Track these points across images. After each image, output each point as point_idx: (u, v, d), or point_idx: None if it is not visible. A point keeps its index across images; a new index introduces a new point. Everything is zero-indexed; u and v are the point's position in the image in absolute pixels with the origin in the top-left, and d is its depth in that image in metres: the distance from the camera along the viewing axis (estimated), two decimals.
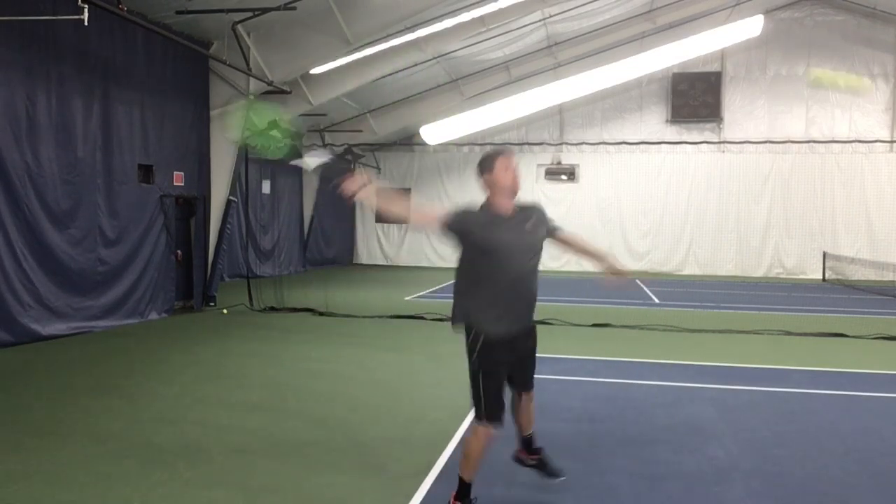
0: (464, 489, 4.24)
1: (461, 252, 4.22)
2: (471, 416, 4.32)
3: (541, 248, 4.34)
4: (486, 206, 4.21)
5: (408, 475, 4.99)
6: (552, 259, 26.86)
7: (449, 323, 4.56)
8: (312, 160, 3.98)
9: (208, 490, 4.72)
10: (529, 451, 4.84)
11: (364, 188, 3.96)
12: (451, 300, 4.39)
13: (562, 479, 4.77)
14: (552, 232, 4.45)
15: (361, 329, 11.90)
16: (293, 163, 4.13)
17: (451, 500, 4.25)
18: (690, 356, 9.86)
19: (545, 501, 4.62)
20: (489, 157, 4.27)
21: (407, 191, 28.02)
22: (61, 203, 10.58)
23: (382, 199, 4.06)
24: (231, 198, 15.12)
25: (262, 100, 4.08)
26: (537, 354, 4.56)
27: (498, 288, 4.12)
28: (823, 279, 24.13)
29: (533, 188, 27.10)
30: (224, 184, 15.00)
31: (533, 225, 4.27)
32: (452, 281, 4.44)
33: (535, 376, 4.62)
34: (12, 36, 9.66)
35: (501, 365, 4.21)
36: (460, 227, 4.11)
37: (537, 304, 4.44)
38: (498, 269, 4.10)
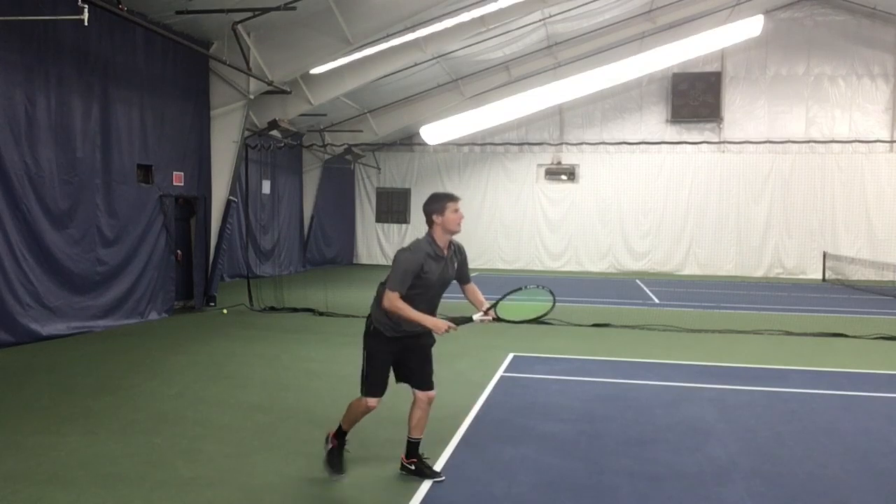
0: (340, 431, 5.04)
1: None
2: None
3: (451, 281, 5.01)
4: (431, 241, 4.78)
5: (409, 476, 4.99)
6: (552, 259, 26.94)
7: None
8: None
9: (208, 490, 4.72)
10: (409, 456, 5.02)
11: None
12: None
13: (441, 479, 4.92)
14: (465, 279, 5.04)
15: (361, 329, 11.85)
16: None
17: (330, 435, 5.01)
18: (690, 356, 9.85)
19: (545, 501, 4.63)
20: (440, 200, 4.77)
21: (407, 191, 28.03)
22: (60, 203, 10.57)
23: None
24: (231, 198, 15.12)
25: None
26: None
27: (410, 303, 4.68)
28: (823, 279, 24.12)
29: (533, 188, 27.13)
30: (224, 184, 14.99)
31: (458, 265, 4.94)
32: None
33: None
34: (12, 36, 9.65)
35: (386, 353, 4.86)
36: (413, 275, 4.68)
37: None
38: (419, 294, 4.72)
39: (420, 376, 4.98)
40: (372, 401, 4.85)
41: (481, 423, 6.32)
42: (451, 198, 4.80)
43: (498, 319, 4.83)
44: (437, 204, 4.76)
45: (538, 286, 5.08)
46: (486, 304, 4.86)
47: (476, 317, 4.78)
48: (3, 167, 9.59)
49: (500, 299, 4.87)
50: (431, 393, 5.00)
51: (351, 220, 28.53)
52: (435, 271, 4.74)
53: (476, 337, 10.55)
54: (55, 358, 9.07)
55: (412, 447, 5.02)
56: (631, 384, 8.11)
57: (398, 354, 4.90)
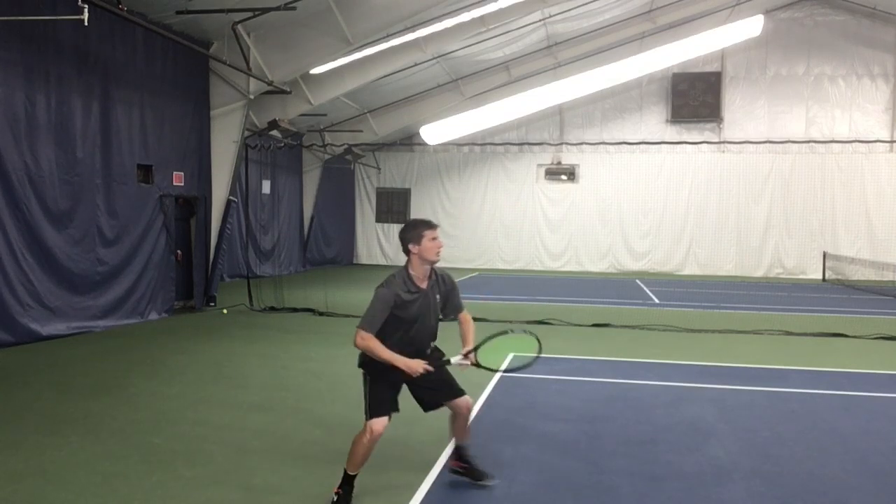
0: (347, 479, 4.47)
1: None
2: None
3: (440, 311, 4.67)
4: (406, 277, 4.48)
5: (408, 475, 5.00)
6: (552, 259, 26.94)
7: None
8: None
9: (208, 490, 4.72)
10: (458, 459, 4.91)
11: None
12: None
13: (494, 481, 4.79)
14: (456, 309, 4.74)
15: None
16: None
17: (335, 489, 4.46)
18: (690, 356, 9.85)
19: (545, 501, 4.62)
20: (416, 227, 4.47)
21: (407, 191, 28.03)
22: (60, 203, 10.58)
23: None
24: (231, 198, 15.12)
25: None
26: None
27: (395, 339, 4.41)
28: (823, 279, 24.13)
29: (533, 188, 27.14)
30: (224, 184, 14.99)
31: (443, 297, 4.62)
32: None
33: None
34: (12, 36, 9.66)
35: (387, 376, 4.41)
36: (385, 315, 4.38)
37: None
38: (402, 330, 4.44)
39: (448, 388, 4.63)
40: (377, 424, 4.35)
41: (481, 423, 6.31)
42: (429, 225, 4.47)
43: (478, 365, 4.51)
44: (413, 232, 4.43)
45: (525, 332, 4.71)
46: (469, 346, 4.55)
47: (454, 360, 4.50)
48: (3, 167, 9.60)
49: (482, 343, 4.53)
50: (467, 398, 4.68)
51: (351, 220, 28.55)
52: (412, 307, 4.42)
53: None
54: (55, 358, 9.07)
55: (461, 451, 4.86)
56: (631, 384, 8.11)
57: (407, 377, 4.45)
